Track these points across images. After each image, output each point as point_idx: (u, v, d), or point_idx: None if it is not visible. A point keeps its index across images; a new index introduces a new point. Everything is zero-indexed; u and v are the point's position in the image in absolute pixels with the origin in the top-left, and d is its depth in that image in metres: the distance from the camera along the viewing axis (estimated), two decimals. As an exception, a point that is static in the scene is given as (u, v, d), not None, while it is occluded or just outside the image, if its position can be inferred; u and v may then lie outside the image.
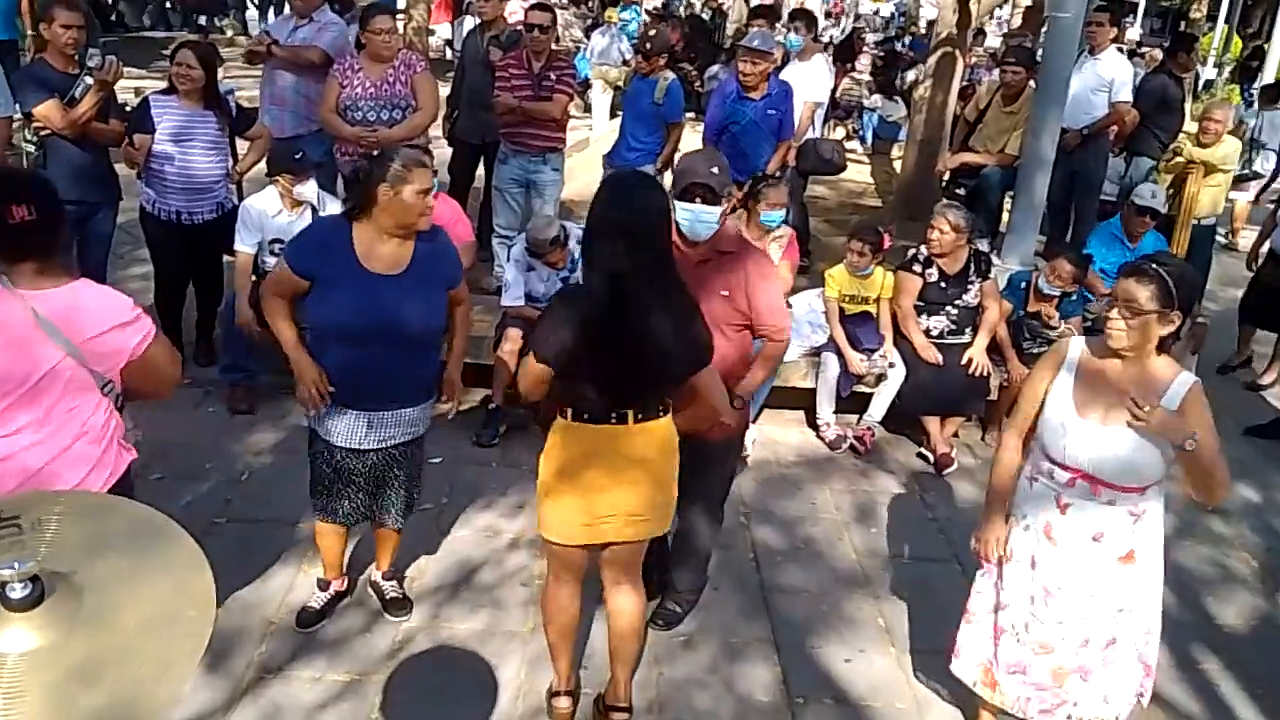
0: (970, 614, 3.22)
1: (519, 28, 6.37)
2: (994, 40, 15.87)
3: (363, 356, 3.18)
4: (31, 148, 5.12)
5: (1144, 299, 2.68)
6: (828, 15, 19.62)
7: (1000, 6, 13.61)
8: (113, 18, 15.47)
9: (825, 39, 14.62)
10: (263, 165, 5.41)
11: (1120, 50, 7.83)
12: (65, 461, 2.55)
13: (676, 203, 3.30)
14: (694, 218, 3.30)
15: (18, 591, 1.27)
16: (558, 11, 7.80)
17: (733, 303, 3.37)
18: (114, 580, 1.36)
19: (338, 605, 3.74)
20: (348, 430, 3.31)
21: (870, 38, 15.31)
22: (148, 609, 1.35)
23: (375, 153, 5.31)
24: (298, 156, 4.95)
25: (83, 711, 1.23)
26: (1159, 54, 10.95)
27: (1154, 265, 2.73)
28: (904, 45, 14.65)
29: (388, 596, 3.75)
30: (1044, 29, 7.62)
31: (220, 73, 5.46)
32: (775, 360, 3.65)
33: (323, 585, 3.73)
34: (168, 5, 17.65)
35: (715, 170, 3.35)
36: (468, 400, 5.35)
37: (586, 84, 12.10)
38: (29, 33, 9.97)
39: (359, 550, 3.93)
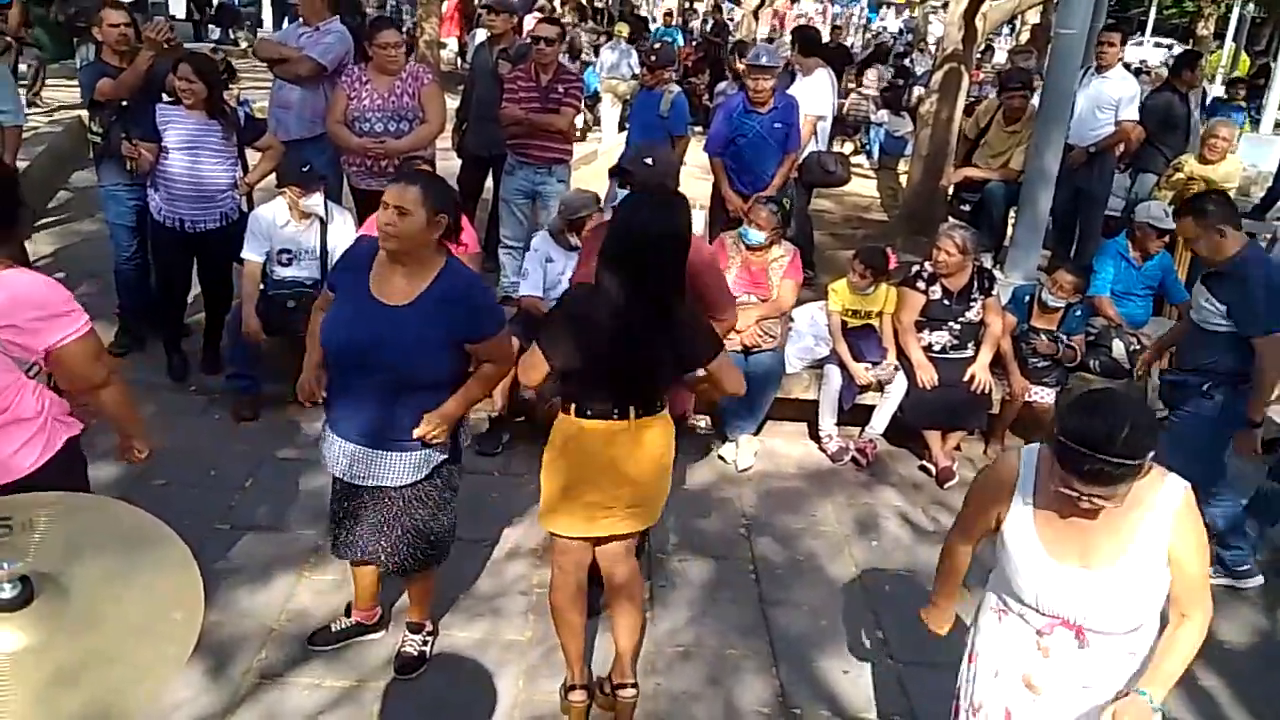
0: None
1: (528, 41, 6.43)
2: (1002, 56, 15.93)
3: (344, 381, 3.09)
4: (98, 138, 5.41)
5: (1120, 491, 2.14)
6: (835, 29, 19.73)
7: (1007, 23, 13.64)
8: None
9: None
10: (273, 176, 5.47)
11: (1127, 68, 7.86)
12: None
13: (619, 187, 3.67)
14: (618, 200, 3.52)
15: (6, 592, 1.29)
16: (567, 27, 7.86)
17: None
18: (101, 581, 1.38)
19: (358, 636, 3.62)
20: (333, 457, 3.19)
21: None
22: (134, 610, 1.37)
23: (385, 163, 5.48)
24: (305, 169, 5.00)
25: (66, 710, 1.24)
26: (1164, 71, 10.98)
27: (1102, 456, 2.06)
28: (911, 61, 14.72)
29: (403, 649, 3.56)
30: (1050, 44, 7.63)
31: (235, 86, 5.55)
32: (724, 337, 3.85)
33: (347, 610, 3.66)
34: (178, 18, 17.77)
35: (649, 161, 3.70)
36: (470, 411, 5.37)
37: (596, 97, 12.19)
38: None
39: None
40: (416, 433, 3.04)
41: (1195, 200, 4.35)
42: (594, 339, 2.89)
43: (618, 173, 3.69)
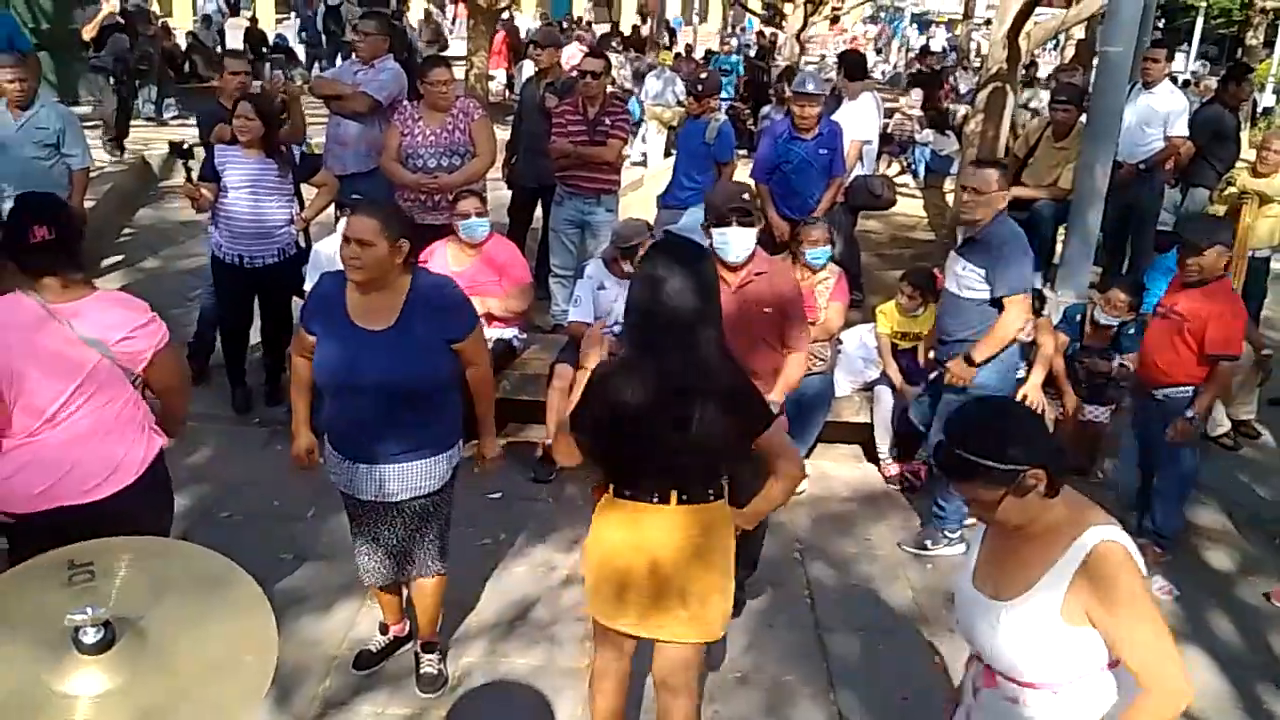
0: None
1: (574, 74, 6.54)
2: (1045, 72, 15.81)
3: (350, 409, 3.15)
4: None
5: (981, 495, 2.08)
6: (877, 52, 19.75)
7: (1052, 39, 13.55)
8: (185, 68, 16.00)
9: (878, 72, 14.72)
10: (330, 211, 5.63)
11: (1174, 82, 7.79)
12: (106, 449, 2.87)
13: (715, 230, 3.52)
14: (735, 240, 3.48)
15: (90, 636, 1.34)
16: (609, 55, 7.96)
17: (773, 318, 3.59)
18: (178, 624, 1.44)
19: (397, 650, 3.76)
20: (350, 481, 3.26)
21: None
22: (210, 652, 1.42)
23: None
24: (355, 197, 5.16)
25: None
26: (1212, 83, 10.84)
27: (955, 449, 2.07)
28: (955, 79, 14.68)
29: (421, 670, 3.63)
30: (1096, 62, 7.59)
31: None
32: (800, 369, 3.89)
33: (383, 629, 3.79)
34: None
35: (746, 195, 3.63)
36: (524, 435, 5.45)
37: (637, 125, 12.29)
38: None
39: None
40: (480, 470, 3.38)
41: (994, 160, 4.58)
42: (625, 417, 2.63)
43: (725, 216, 3.49)
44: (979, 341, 4.34)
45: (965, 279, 4.34)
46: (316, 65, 17.28)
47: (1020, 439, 2.06)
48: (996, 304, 4.29)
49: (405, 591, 3.76)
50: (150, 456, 2.99)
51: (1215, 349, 4.31)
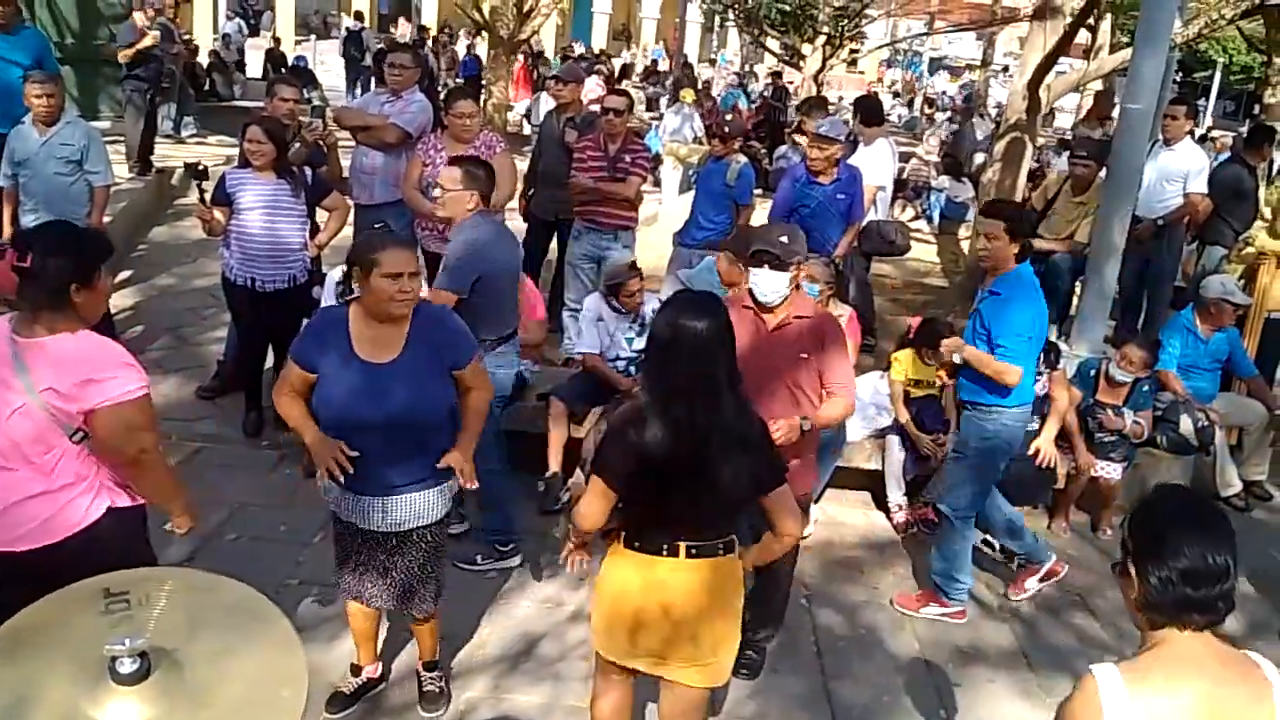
0: None
1: (594, 109, 6.58)
2: (1063, 120, 15.88)
3: (358, 444, 3.09)
4: None
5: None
6: (895, 95, 19.89)
7: (1076, 91, 13.62)
8: (205, 88, 16.12)
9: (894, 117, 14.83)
10: (344, 236, 5.63)
11: (1194, 140, 7.82)
12: (39, 500, 2.69)
13: (749, 269, 3.56)
14: (764, 282, 3.52)
15: (126, 666, 1.35)
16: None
17: (810, 364, 3.58)
18: (213, 657, 1.44)
19: (369, 693, 3.66)
20: (358, 512, 3.24)
21: (940, 117, 15.39)
22: (243, 687, 1.43)
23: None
24: (378, 226, 5.17)
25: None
26: (1229, 140, 10.88)
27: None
28: (971, 125, 14.74)
29: (424, 689, 3.65)
30: (1114, 114, 7.64)
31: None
32: (842, 410, 3.79)
33: (355, 670, 3.67)
34: (254, 77, 18.37)
35: (784, 239, 3.59)
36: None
37: (657, 160, 12.36)
38: None
39: (402, 633, 3.88)
40: (443, 464, 3.18)
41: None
42: (648, 462, 2.63)
43: (755, 256, 3.53)
44: None
45: None
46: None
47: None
48: None
49: (381, 632, 3.72)
50: (93, 518, 2.76)
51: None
